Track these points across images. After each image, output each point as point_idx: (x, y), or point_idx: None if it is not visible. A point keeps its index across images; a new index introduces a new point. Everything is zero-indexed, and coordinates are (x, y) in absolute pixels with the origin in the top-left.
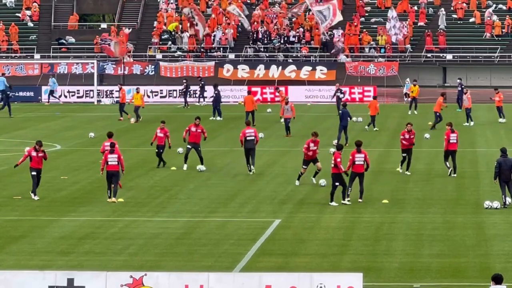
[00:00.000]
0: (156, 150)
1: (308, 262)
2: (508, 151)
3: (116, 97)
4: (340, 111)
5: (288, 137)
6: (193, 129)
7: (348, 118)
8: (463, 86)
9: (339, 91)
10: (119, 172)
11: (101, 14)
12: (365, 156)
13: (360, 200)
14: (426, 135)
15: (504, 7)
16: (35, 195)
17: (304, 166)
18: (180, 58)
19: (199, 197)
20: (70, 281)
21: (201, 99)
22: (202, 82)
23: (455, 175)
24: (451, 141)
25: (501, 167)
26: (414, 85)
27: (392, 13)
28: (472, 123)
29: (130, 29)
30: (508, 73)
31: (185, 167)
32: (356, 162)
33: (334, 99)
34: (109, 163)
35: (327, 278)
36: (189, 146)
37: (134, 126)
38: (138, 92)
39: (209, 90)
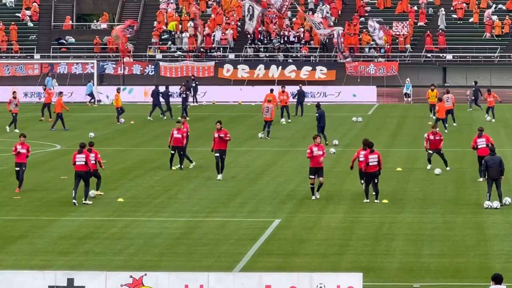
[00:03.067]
0: (173, 152)
1: (308, 262)
2: (508, 151)
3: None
4: (317, 114)
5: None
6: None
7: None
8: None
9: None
10: (87, 173)
11: (101, 14)
12: (364, 155)
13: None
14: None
15: (504, 7)
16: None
17: (311, 176)
18: (180, 58)
19: (199, 197)
20: (70, 281)
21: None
22: (196, 82)
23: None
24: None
25: (488, 165)
26: (432, 90)
27: (371, 22)
28: (445, 126)
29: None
30: (508, 73)
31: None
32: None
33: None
34: (77, 163)
35: (327, 278)
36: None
37: (134, 126)
38: (119, 92)
39: (210, 91)
